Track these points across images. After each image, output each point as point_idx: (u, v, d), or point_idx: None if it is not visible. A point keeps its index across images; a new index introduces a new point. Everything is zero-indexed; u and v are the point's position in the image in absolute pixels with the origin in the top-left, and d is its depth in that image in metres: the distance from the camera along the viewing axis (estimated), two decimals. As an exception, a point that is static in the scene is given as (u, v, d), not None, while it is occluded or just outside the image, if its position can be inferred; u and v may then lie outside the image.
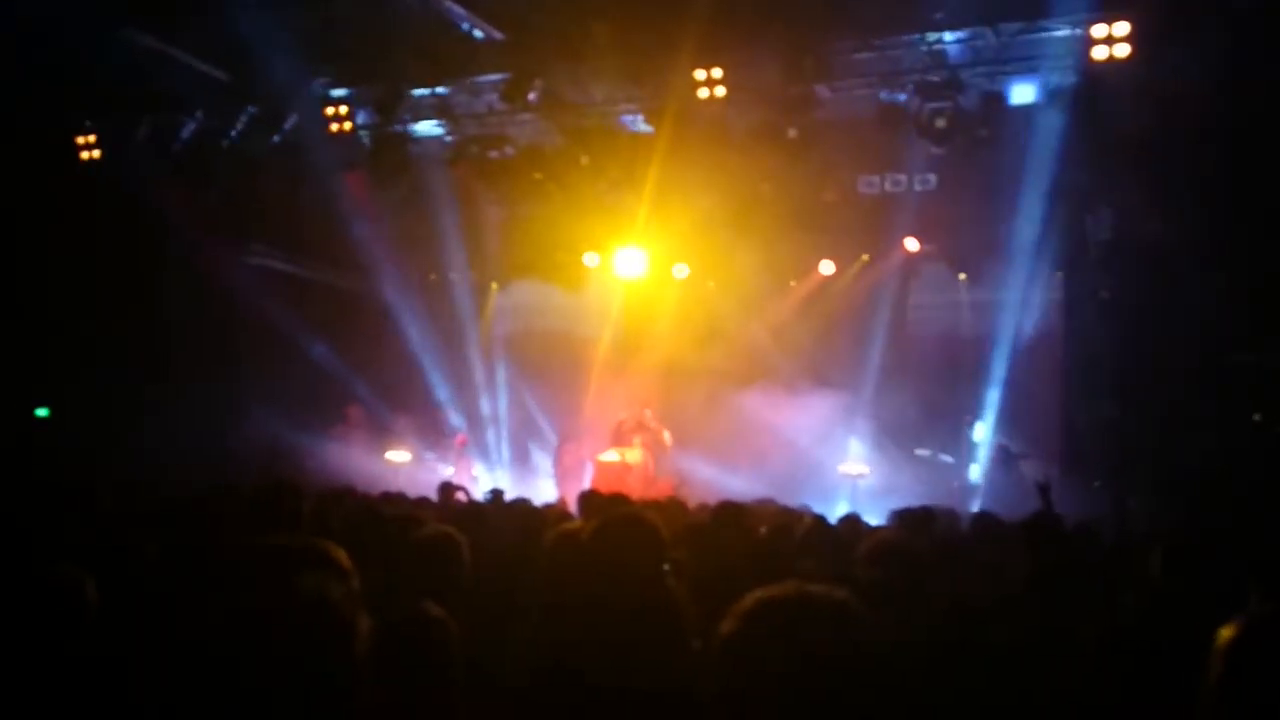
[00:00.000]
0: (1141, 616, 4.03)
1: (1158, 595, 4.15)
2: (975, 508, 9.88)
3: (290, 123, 14.57)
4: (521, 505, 7.68)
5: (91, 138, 14.29)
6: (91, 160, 14.23)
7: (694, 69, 12.76)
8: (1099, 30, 11.34)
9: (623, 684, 3.40)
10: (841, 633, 2.03)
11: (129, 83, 12.97)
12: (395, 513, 6.26)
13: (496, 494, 9.10)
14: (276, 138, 14.59)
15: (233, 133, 14.47)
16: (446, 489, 9.04)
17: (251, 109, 14.39)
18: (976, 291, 15.72)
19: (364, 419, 15.53)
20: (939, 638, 3.69)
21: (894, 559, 4.10)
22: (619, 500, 7.01)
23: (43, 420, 13.35)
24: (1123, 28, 11.19)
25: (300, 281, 15.49)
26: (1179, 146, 11.32)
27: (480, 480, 14.85)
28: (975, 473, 14.56)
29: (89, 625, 3.15)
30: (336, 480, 9.50)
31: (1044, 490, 7.44)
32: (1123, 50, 11.23)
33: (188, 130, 14.41)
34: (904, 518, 7.56)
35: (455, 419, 16.68)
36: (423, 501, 8.23)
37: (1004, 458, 13.92)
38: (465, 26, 12.45)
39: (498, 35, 12.61)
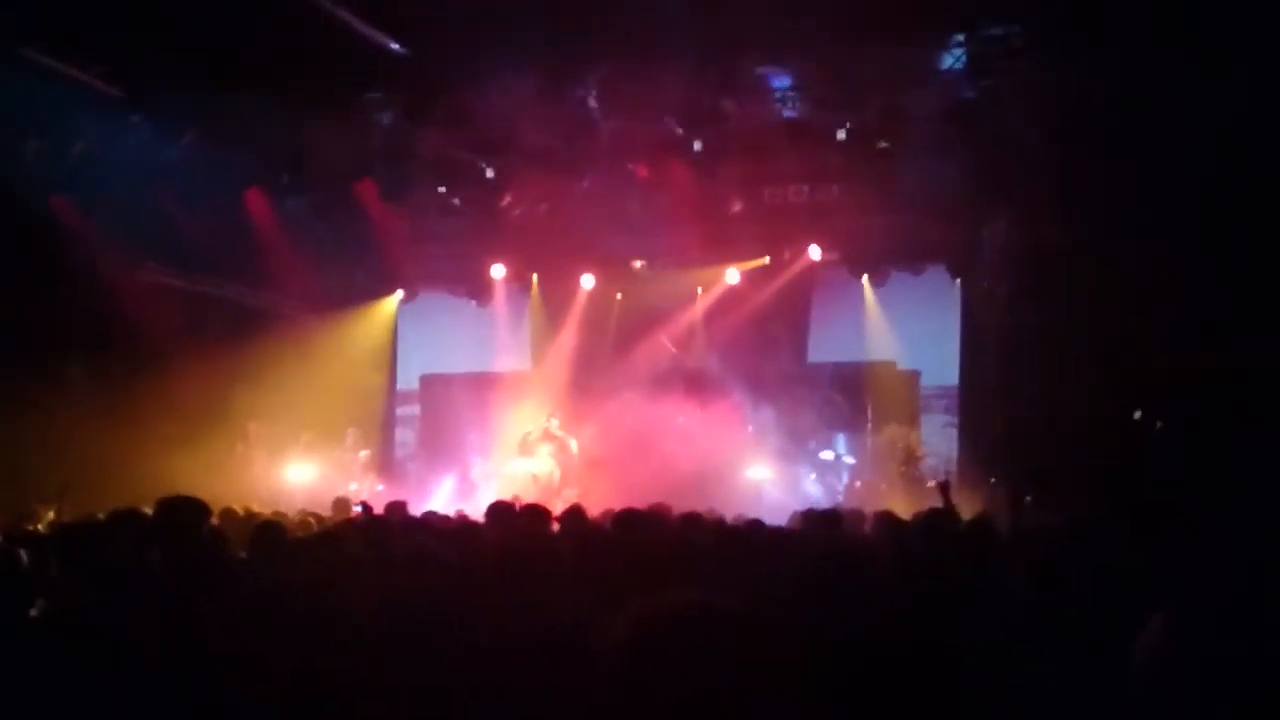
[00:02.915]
0: (1023, 610, 4.15)
1: (1042, 588, 4.27)
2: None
3: (186, 138, 14.27)
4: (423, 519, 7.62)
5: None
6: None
7: (598, 81, 12.83)
8: (992, 44, 11.65)
9: (525, 694, 3.42)
10: (725, 641, 2.05)
11: (16, 99, 12.58)
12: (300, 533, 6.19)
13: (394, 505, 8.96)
14: (172, 153, 14.28)
15: (125, 148, 14.10)
16: (340, 504, 8.96)
17: (146, 124, 14.06)
18: (878, 297, 16.07)
19: (265, 435, 15.25)
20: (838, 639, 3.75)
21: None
22: (529, 512, 7.00)
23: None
24: (1014, 41, 11.50)
25: (198, 297, 15.16)
26: (1071, 154, 11.65)
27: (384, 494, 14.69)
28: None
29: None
30: (236, 499, 9.31)
31: (943, 488, 7.62)
32: (1015, 63, 11.55)
33: (78, 146, 14.02)
34: (811, 519, 7.67)
35: (359, 433, 16.47)
36: (319, 518, 8.12)
37: (905, 459, 14.25)
38: (369, 40, 12.33)
39: (401, 50, 12.51)
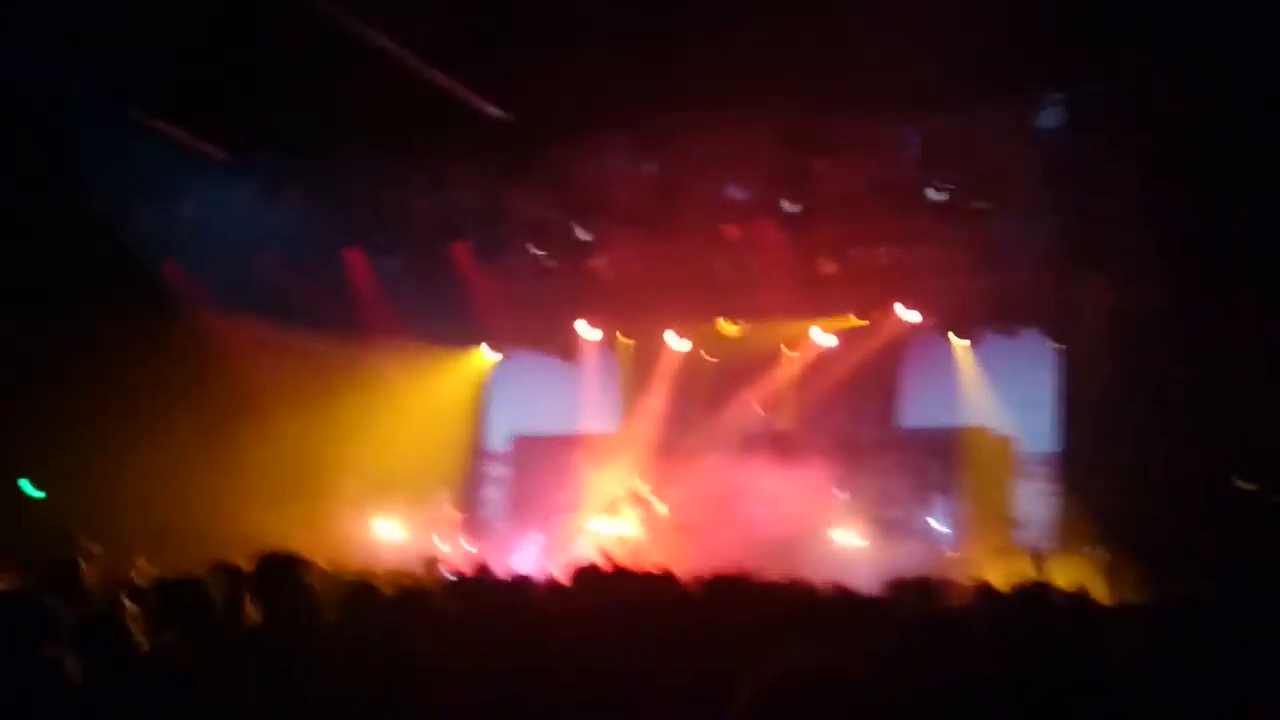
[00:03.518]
0: (1125, 685, 4.01)
1: (1140, 666, 4.13)
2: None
3: (288, 200, 14.70)
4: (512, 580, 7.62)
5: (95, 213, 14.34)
6: (89, 237, 14.27)
7: (691, 144, 12.92)
8: (1090, 102, 11.51)
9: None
10: (859, 703, 2.04)
11: (130, 164, 13.10)
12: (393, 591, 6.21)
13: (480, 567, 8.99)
14: (275, 215, 14.71)
15: (231, 211, 14.57)
16: (430, 564, 9.05)
17: (250, 187, 14.52)
18: (974, 361, 15.78)
19: (357, 492, 15.47)
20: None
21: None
22: (616, 575, 6.99)
23: (34, 499, 13.26)
24: (1112, 99, 11.33)
25: (297, 354, 15.51)
26: (1171, 214, 11.40)
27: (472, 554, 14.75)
28: None
29: (73, 705, 3.12)
30: (328, 555, 9.43)
31: (1037, 560, 7.44)
32: (1113, 121, 11.37)
33: (187, 209, 14.53)
34: (903, 587, 7.49)
35: (449, 492, 16.60)
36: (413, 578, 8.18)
37: (1000, 527, 13.92)
38: (467, 104, 12.62)
39: (497, 113, 12.78)
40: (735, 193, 13.96)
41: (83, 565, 5.24)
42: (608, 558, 11.70)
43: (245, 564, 4.94)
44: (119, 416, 12.32)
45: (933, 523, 15.17)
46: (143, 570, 6.81)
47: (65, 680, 3.16)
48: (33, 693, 3.11)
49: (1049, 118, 12.23)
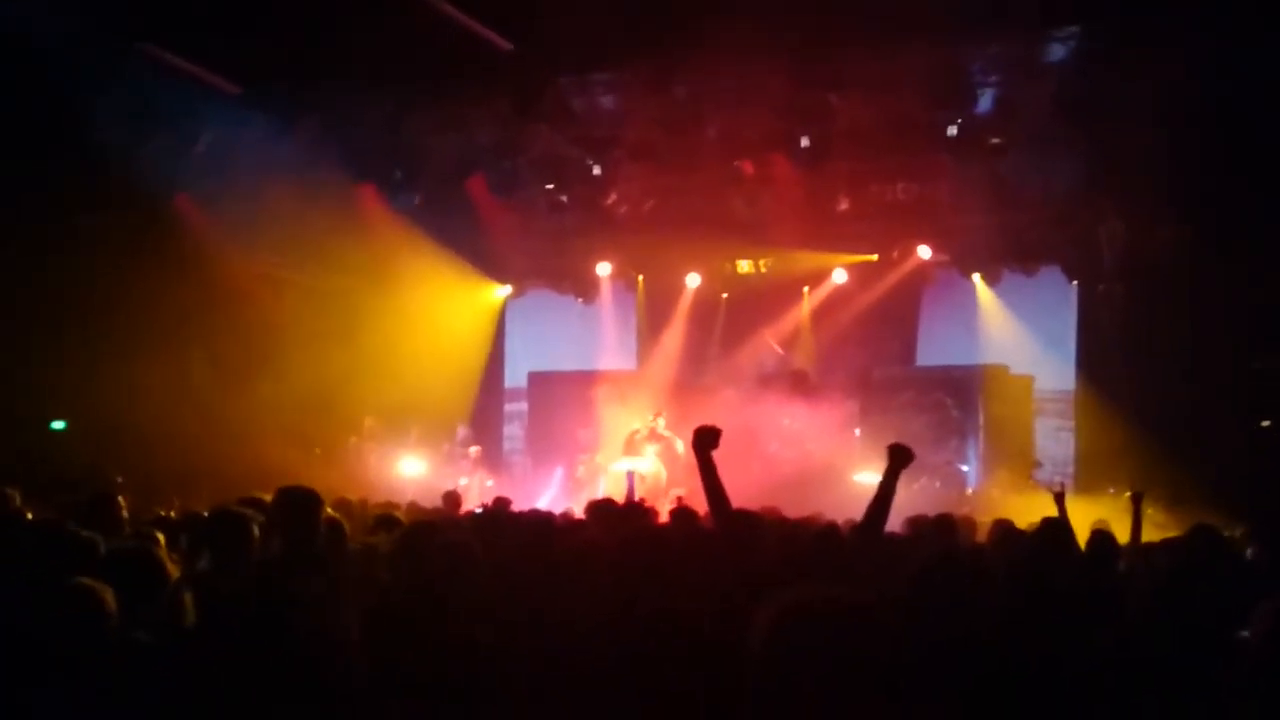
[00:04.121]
0: (1148, 621, 4.05)
1: (1165, 599, 4.16)
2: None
3: (301, 135, 14.61)
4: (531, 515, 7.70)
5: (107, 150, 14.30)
6: (104, 172, 14.25)
7: (702, 77, 12.78)
8: (1106, 37, 11.34)
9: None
10: (873, 635, 2.07)
11: (142, 95, 13.03)
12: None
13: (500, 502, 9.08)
14: (288, 149, 14.64)
15: (244, 144, 14.51)
16: (450, 498, 9.14)
17: (263, 121, 14.43)
18: (990, 299, 15.72)
19: (377, 429, 15.57)
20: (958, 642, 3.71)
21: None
22: (632, 510, 7.04)
23: (59, 433, 13.40)
24: (1128, 34, 11.16)
25: (312, 291, 15.54)
26: (1188, 150, 11.29)
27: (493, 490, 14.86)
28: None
29: (110, 637, 3.18)
30: (351, 491, 9.51)
31: (1058, 498, 7.45)
32: (1129, 56, 11.22)
33: (201, 143, 14.47)
34: (922, 525, 7.53)
35: (470, 429, 16.70)
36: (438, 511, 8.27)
37: (1019, 466, 13.95)
38: (479, 37, 12.48)
39: (509, 46, 12.64)
40: (749, 128, 13.82)
41: (119, 499, 5.31)
42: (627, 494, 11.82)
43: (268, 498, 4.99)
44: (137, 353, 12.39)
45: (952, 461, 15.18)
46: (174, 504, 6.92)
47: (100, 609, 3.21)
48: (68, 621, 3.16)
49: (1065, 51, 12.07)
